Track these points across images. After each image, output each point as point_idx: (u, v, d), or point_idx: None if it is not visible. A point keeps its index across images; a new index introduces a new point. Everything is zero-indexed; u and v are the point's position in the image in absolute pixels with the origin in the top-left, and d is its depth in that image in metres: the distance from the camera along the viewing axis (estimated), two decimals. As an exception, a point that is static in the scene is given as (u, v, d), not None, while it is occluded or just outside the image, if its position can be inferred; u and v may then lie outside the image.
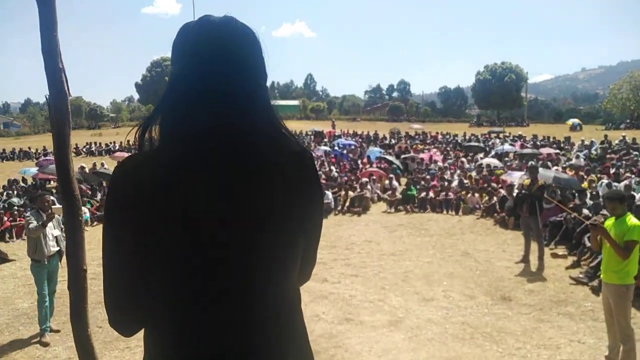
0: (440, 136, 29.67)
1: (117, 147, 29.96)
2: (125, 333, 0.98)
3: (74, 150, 30.81)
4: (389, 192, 13.06)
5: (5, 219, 10.66)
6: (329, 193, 12.56)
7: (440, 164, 17.26)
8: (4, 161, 28.05)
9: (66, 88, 2.10)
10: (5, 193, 13.80)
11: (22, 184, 15.77)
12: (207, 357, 0.91)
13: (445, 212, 12.11)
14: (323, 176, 15.09)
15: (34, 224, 5.44)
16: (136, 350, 5.12)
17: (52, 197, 6.81)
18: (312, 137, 31.09)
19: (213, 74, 0.93)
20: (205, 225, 0.88)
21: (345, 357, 4.92)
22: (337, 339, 5.25)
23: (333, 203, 12.51)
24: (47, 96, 2.13)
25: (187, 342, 0.91)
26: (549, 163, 15.58)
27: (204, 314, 0.91)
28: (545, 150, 19.32)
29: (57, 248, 5.62)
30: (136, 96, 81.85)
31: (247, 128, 0.94)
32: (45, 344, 5.35)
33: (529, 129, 39.55)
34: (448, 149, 22.80)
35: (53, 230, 5.58)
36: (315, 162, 1.40)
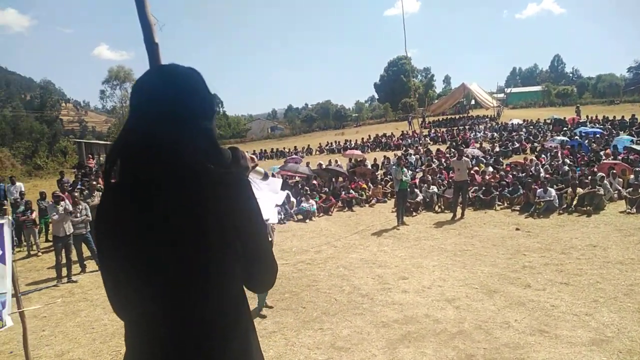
0: None
1: (352, 145, 32.61)
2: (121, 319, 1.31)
3: (318, 148, 34.76)
4: (631, 188, 10.96)
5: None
6: (551, 190, 11.28)
7: None
8: (265, 159, 33.42)
9: None
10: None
11: (270, 179, 18.63)
12: None
13: None
14: (549, 170, 13.59)
15: None
16: (327, 331, 5.71)
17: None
18: (551, 125, 27.99)
19: (143, 119, 1.18)
20: (137, 248, 1.15)
21: (526, 371, 4.54)
22: (522, 351, 4.85)
23: (557, 201, 11.19)
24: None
25: (131, 347, 1.22)
26: None
27: (141, 325, 1.19)
28: None
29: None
30: (377, 96, 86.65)
31: (173, 163, 1.14)
32: (262, 317, 6.28)
33: None
34: None
35: None
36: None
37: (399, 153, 25.10)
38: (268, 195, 1.81)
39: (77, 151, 30.25)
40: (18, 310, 4.47)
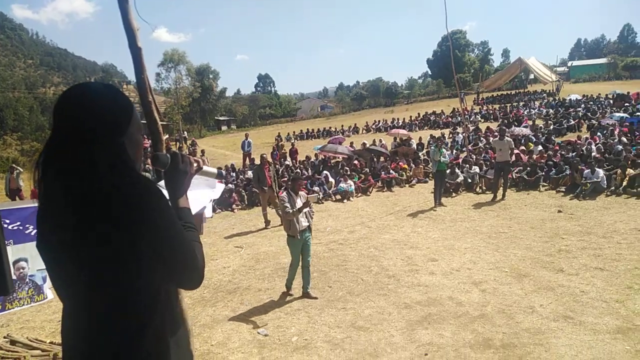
0: None
1: (399, 124, 32.17)
2: None
3: (365, 127, 34.53)
4: (689, 169, 10.25)
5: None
6: (599, 171, 10.75)
7: None
8: (312, 139, 33.64)
9: (156, 114, 2.83)
10: (298, 167, 16.93)
11: (312, 159, 18.71)
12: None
13: None
14: (602, 149, 12.88)
15: (288, 208, 6.13)
16: (349, 311, 5.84)
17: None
18: (612, 101, 26.29)
19: (53, 137, 1.31)
20: (46, 255, 1.33)
21: (542, 357, 4.47)
22: (542, 336, 4.79)
23: (605, 182, 10.65)
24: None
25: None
26: None
27: (66, 313, 1.36)
28: None
29: (307, 223, 6.35)
30: (430, 72, 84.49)
31: (71, 178, 1.26)
32: (289, 295, 6.48)
33: None
34: None
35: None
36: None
37: (446, 132, 24.51)
38: (203, 192, 1.93)
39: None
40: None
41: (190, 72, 56.89)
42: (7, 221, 5.70)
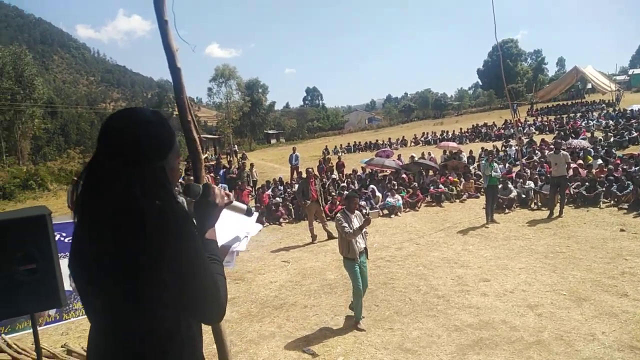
0: None
1: (449, 136, 31.51)
2: None
3: (413, 139, 34.08)
4: None
5: (338, 202, 13.12)
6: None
7: None
8: (358, 152, 33.52)
9: (195, 134, 2.87)
10: (345, 181, 16.86)
11: (359, 172, 18.41)
12: None
13: None
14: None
15: (347, 228, 5.74)
16: (396, 332, 5.70)
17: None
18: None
19: (97, 158, 1.33)
20: (78, 275, 1.34)
21: (606, 390, 4.19)
22: (605, 367, 4.49)
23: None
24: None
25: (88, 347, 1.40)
26: None
27: (91, 333, 1.37)
28: None
29: (364, 245, 6.01)
30: (480, 82, 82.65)
31: (109, 199, 1.27)
32: (360, 330, 5.79)
33: None
34: None
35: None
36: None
37: (498, 144, 23.77)
38: (234, 226, 1.91)
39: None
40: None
41: (240, 87, 58.50)
42: (64, 234, 6.02)
